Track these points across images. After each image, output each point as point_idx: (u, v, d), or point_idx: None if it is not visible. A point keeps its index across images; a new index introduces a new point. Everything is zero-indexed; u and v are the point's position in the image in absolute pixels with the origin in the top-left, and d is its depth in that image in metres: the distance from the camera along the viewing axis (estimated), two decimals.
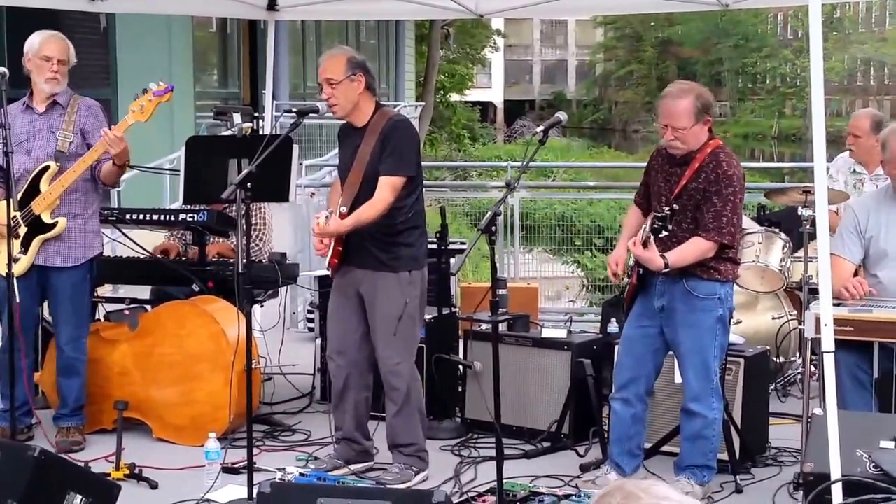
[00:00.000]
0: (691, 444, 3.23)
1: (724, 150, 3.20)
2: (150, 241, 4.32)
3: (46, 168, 3.67)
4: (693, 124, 3.15)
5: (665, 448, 3.52)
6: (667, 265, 3.10)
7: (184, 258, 4.33)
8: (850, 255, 3.37)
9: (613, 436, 3.38)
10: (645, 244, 3.08)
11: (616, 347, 3.74)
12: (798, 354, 4.41)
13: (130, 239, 4.10)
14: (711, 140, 3.19)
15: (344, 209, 3.34)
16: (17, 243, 3.63)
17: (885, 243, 3.35)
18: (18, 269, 3.58)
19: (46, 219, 3.67)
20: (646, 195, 3.37)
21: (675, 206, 3.11)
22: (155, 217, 4.15)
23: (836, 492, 2.63)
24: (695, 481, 3.23)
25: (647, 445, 3.47)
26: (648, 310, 3.26)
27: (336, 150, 3.86)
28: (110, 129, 3.60)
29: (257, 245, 4.35)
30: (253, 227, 4.36)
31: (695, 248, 3.13)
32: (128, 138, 3.63)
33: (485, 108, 36.39)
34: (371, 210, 3.31)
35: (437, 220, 4.15)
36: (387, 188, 3.30)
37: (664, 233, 3.03)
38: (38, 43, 3.70)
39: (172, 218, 4.17)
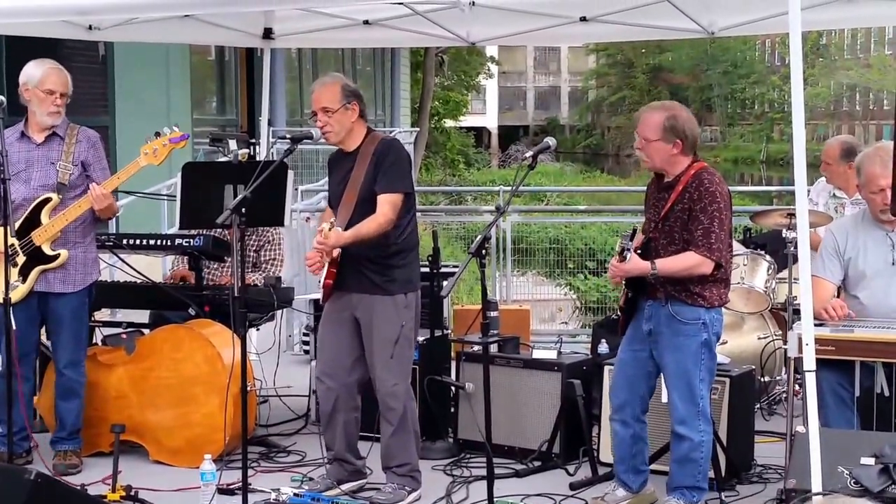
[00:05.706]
0: (680, 466, 3.26)
1: (708, 170, 3.23)
2: (147, 266, 4.38)
3: (48, 200, 3.70)
4: (658, 139, 3.19)
5: (655, 466, 3.57)
6: (654, 269, 3.14)
7: (181, 283, 4.40)
8: (830, 276, 3.44)
9: (616, 456, 3.42)
10: (623, 259, 3.14)
11: (606, 368, 3.82)
12: (783, 373, 4.48)
13: (128, 264, 4.15)
14: (695, 163, 3.23)
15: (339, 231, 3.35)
16: (14, 271, 3.66)
17: (864, 265, 3.41)
18: (15, 296, 3.60)
19: (47, 250, 3.70)
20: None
21: (636, 227, 3.18)
22: (152, 242, 4.19)
23: None
24: (684, 501, 3.28)
25: None
26: (638, 334, 3.31)
27: None
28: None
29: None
30: (271, 261, 4.48)
31: (684, 259, 3.15)
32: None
33: (479, 133, 36.61)
34: (373, 224, 3.31)
35: (430, 243, 4.23)
36: (386, 205, 3.34)
37: (626, 252, 3.10)
38: (40, 75, 3.69)
39: (169, 243, 4.22)
